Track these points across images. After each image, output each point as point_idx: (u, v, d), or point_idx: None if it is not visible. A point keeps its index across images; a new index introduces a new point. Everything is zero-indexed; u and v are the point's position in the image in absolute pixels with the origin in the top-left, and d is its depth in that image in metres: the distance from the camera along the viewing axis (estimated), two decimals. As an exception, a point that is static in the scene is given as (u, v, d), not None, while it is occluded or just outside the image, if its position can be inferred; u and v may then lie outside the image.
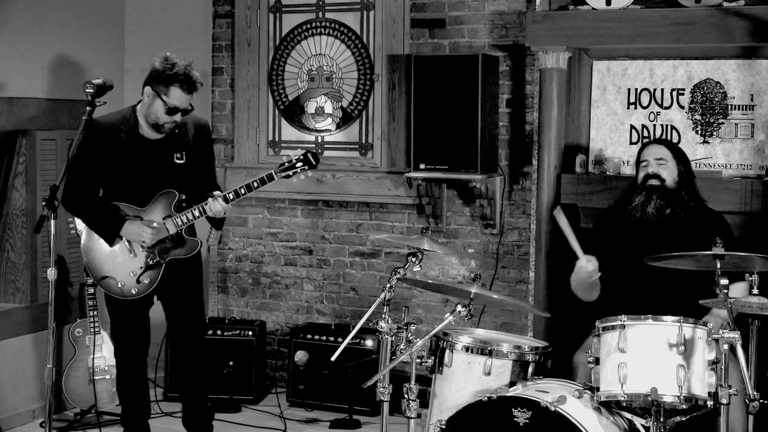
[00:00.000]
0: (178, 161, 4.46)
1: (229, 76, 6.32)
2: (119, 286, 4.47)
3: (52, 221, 3.98)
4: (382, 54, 5.90)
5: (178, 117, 4.36)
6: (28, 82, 5.38)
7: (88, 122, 4.18)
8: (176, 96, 4.32)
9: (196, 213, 4.43)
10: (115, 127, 4.43)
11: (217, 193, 4.41)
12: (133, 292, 4.47)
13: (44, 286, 5.37)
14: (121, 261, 4.47)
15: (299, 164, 4.43)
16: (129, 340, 4.63)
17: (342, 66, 6.06)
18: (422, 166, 5.48)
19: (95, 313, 5.33)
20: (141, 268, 4.45)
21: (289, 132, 6.20)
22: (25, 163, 5.42)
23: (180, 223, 4.44)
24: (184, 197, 4.47)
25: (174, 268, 4.50)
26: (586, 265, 4.30)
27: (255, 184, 4.40)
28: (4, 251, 5.48)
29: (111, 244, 4.45)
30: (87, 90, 4.19)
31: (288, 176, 4.44)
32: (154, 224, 4.39)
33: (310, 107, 6.15)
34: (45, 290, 5.31)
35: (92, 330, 5.35)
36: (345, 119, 6.07)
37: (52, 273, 4.00)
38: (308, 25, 6.12)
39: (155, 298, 4.63)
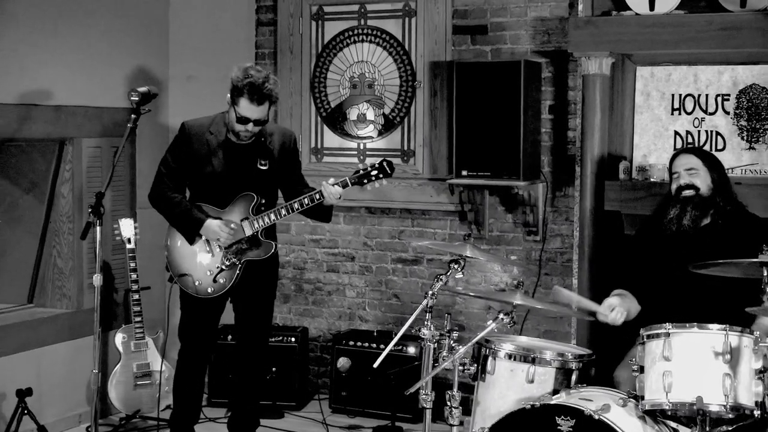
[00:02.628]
0: (261, 167, 4.56)
1: (271, 83, 6.34)
2: (196, 284, 4.55)
3: (98, 228, 4.03)
4: (424, 61, 5.90)
5: (250, 126, 4.44)
6: (74, 90, 5.44)
7: (133, 129, 4.24)
8: (244, 106, 4.40)
9: (273, 216, 4.52)
10: (205, 129, 4.56)
11: (331, 180, 4.47)
12: (209, 291, 4.54)
13: (90, 292, 5.40)
14: (199, 260, 4.56)
15: (374, 172, 4.48)
16: (197, 340, 4.70)
17: (384, 73, 6.06)
18: (464, 172, 5.47)
19: (140, 318, 5.37)
20: (218, 267, 4.54)
21: (331, 139, 6.22)
22: (71, 170, 5.47)
23: (257, 226, 4.52)
24: (263, 201, 4.56)
25: (250, 270, 4.59)
26: (607, 315, 4.21)
27: (349, 181, 4.48)
28: (51, 257, 5.54)
29: (191, 242, 4.56)
30: (132, 98, 4.25)
31: (362, 184, 4.49)
32: (232, 225, 4.47)
33: (353, 114, 6.15)
34: (91, 296, 5.33)
35: (137, 335, 5.38)
36: (387, 126, 6.07)
37: (97, 279, 4.05)
38: (350, 33, 6.13)
39: (228, 301, 4.69)
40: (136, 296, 5.35)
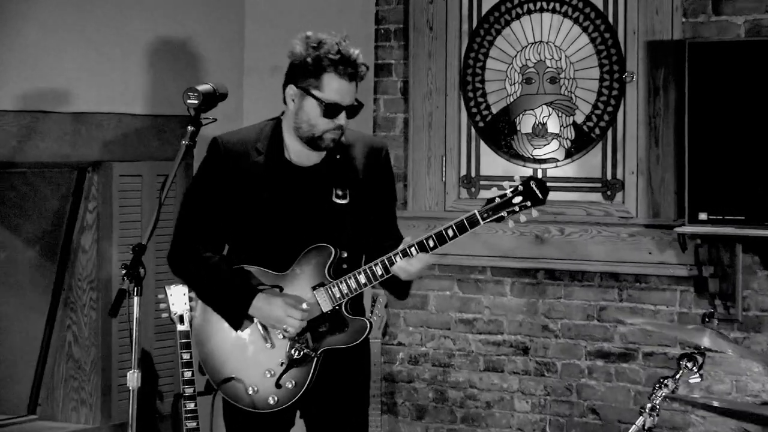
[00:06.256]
0: (338, 201, 4.45)
1: (400, 77, 6.41)
2: (250, 392, 4.43)
3: (136, 299, 4.05)
4: (638, 40, 5.90)
5: (342, 119, 4.37)
6: (103, 92, 5.56)
7: (191, 148, 4.27)
8: (333, 87, 4.32)
9: (362, 279, 4.41)
10: (249, 146, 4.47)
11: (408, 239, 4.36)
12: (271, 402, 4.41)
13: (122, 398, 5.51)
14: (252, 354, 4.44)
15: (517, 199, 4.32)
16: None
17: (574, 60, 6.07)
18: (703, 216, 5.44)
19: (198, 440, 5.42)
20: (282, 364, 4.41)
21: (492, 162, 6.22)
22: (96, 210, 5.61)
23: (339, 296, 4.40)
24: (345, 255, 4.49)
25: (330, 365, 4.48)
26: None
27: (449, 233, 4.33)
28: (64, 344, 5.66)
29: (236, 327, 4.46)
30: (189, 101, 4.27)
31: (500, 218, 4.35)
32: (304, 305, 4.39)
33: (526, 124, 6.17)
34: (124, 404, 5.43)
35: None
36: (579, 143, 6.06)
37: (134, 378, 4.09)
38: (522, -2, 6.19)
39: (298, 414, 4.64)
40: (192, 405, 5.39)
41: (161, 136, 5.74)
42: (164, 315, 5.42)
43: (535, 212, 4.20)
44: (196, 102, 4.28)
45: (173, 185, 4.29)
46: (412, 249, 4.26)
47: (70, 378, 5.65)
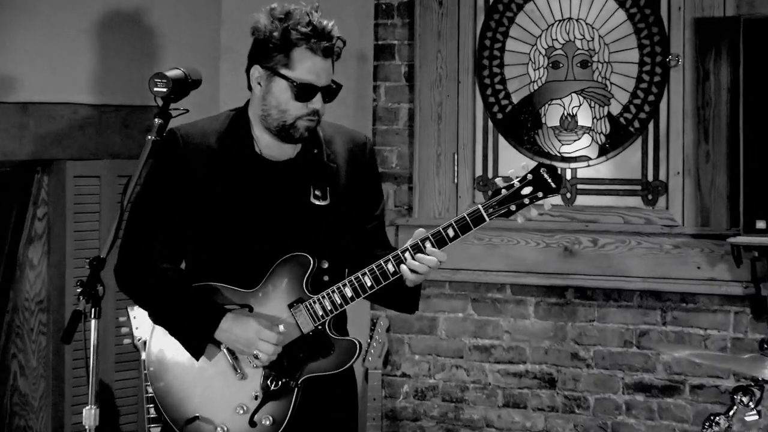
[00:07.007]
0: (317, 202, 4.43)
1: (404, 60, 6.41)
2: None
3: (93, 322, 4.04)
4: (683, 17, 5.90)
5: (318, 103, 4.35)
6: (55, 78, 5.56)
7: (159, 144, 4.25)
8: (306, 64, 4.29)
9: (348, 292, 4.39)
10: (213, 139, 4.46)
11: (419, 231, 4.31)
12: None
13: (77, 439, 5.50)
14: (220, 388, 4.42)
15: (526, 190, 4.32)
16: None
17: (609, 40, 6.07)
18: (761, 225, 5.45)
19: (165, 488, 5.41)
20: (256, 398, 4.41)
21: (512, 160, 6.20)
22: (47, 217, 5.60)
23: (321, 314, 4.39)
24: (325, 266, 4.46)
25: (312, 396, 4.46)
26: None
27: (450, 233, 4.32)
28: (9, 373, 5.66)
29: (198, 355, 4.44)
30: (156, 89, 4.26)
31: (508, 213, 4.34)
32: (280, 326, 4.38)
33: (552, 116, 6.16)
34: (79, 445, 5.43)
35: None
36: (615, 138, 6.05)
37: (91, 415, 4.07)
38: (548, -32, 6.18)
39: None
40: (161, 447, 5.41)
41: (124, 130, 5.73)
42: (126, 341, 5.41)
43: (547, 205, 4.19)
44: (164, 90, 4.25)
45: (138, 188, 4.27)
46: (426, 243, 4.20)
47: (15, 415, 5.65)
